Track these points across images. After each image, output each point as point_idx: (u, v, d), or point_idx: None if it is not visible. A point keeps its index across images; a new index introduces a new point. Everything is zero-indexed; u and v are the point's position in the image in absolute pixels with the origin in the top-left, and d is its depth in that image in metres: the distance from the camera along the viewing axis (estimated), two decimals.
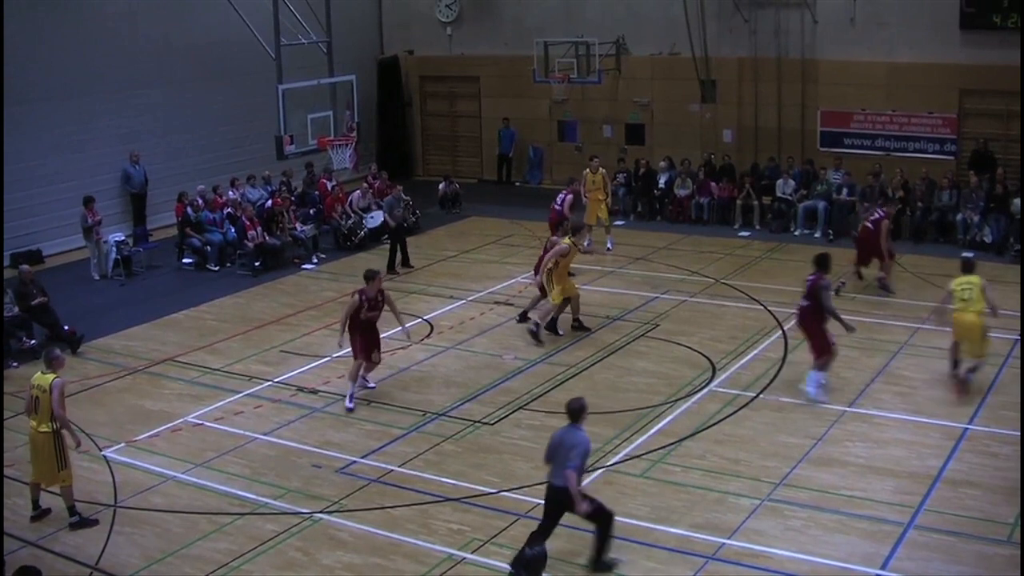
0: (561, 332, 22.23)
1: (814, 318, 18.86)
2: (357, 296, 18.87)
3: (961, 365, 18.99)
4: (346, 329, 18.98)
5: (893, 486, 15.50)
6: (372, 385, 19.77)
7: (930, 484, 15.51)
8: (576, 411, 13.25)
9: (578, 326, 22.48)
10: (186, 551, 14.33)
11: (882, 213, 24.45)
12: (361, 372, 19.32)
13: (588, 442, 13.17)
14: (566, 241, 21.95)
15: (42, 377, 14.95)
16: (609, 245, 28.97)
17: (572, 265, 22.89)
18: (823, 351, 18.82)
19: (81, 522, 14.99)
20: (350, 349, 19.21)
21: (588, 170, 29.37)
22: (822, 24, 32.35)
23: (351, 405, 18.84)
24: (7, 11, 25.79)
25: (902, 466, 16.11)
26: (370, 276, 19.01)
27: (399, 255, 27.75)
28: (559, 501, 13.11)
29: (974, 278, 18.88)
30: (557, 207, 26.34)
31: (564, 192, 26.80)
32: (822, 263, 19.14)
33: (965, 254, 27.26)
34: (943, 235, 28.97)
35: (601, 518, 13.34)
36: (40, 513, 15.33)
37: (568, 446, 12.96)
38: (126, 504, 15.68)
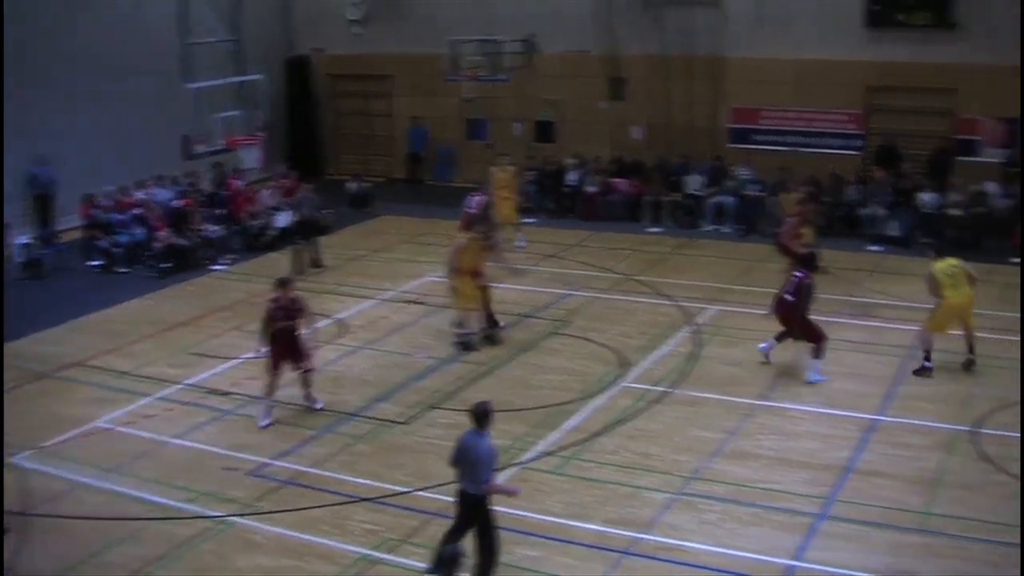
0: (476, 329, 22.00)
1: (797, 313, 19.14)
2: (270, 304, 18.43)
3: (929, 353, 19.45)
4: (265, 337, 18.39)
5: (807, 478, 15.67)
6: (319, 405, 18.83)
7: (842, 475, 15.71)
8: (481, 415, 12.75)
9: (488, 329, 22.04)
10: (99, 558, 14.10)
11: (792, 217, 24.67)
12: (304, 391, 18.75)
13: (493, 449, 12.82)
14: (464, 237, 21.77)
15: None
16: (521, 242, 28.93)
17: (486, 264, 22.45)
18: (818, 337, 19.18)
19: None
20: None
21: (497, 167, 29.38)
22: (731, 22, 32.60)
23: (265, 423, 18.12)
24: None
25: (816, 458, 16.30)
26: (282, 283, 18.53)
27: (308, 256, 27.50)
28: (471, 506, 12.84)
29: (954, 260, 19.30)
30: (470, 209, 26.07)
31: (473, 195, 26.58)
32: (809, 262, 19.83)
33: (872, 247, 27.82)
34: (850, 229, 29.31)
35: (493, 549, 12.96)
36: None
37: (475, 459, 12.59)
38: (37, 511, 15.35)
